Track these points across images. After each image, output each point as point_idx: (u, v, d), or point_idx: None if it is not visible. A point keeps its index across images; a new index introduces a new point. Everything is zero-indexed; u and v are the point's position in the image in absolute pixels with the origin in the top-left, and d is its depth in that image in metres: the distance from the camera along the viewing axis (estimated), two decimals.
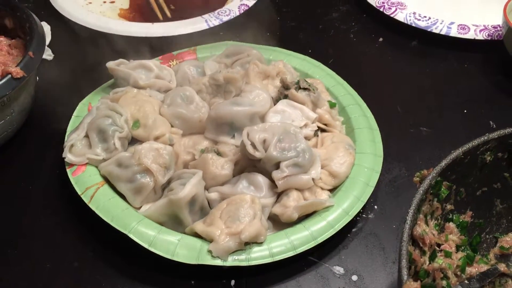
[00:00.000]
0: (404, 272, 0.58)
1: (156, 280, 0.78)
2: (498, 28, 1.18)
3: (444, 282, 0.66)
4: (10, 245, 0.83)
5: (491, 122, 1.03)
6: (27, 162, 0.95)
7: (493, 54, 1.17)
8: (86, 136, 0.89)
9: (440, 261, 0.66)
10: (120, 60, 1.00)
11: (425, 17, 1.22)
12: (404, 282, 0.57)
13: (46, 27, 1.17)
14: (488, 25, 1.19)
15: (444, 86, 1.12)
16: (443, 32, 1.19)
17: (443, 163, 0.69)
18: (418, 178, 0.69)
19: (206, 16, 1.21)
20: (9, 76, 0.86)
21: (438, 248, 0.70)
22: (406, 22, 1.22)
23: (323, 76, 1.04)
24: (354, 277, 0.79)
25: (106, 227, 0.79)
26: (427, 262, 0.65)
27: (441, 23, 1.20)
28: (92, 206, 0.81)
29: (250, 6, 1.25)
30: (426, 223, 0.69)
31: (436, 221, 0.71)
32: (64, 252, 0.82)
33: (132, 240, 0.77)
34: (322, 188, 0.86)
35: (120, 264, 0.80)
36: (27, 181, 0.92)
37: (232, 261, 0.75)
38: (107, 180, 0.85)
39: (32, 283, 0.78)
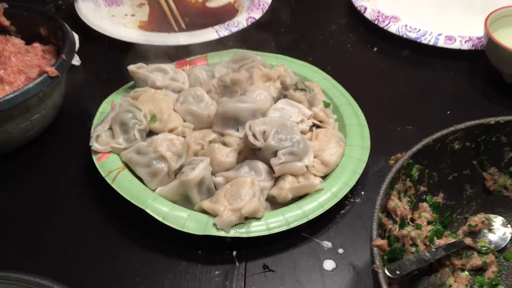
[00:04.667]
0: (374, 232, 0.69)
1: (168, 251, 0.89)
2: (482, 39, 1.28)
3: (413, 249, 0.76)
4: (44, 225, 0.94)
5: None
6: (59, 151, 1.06)
7: (477, 63, 1.27)
8: (110, 128, 1.00)
9: (409, 229, 0.76)
10: (140, 64, 1.12)
11: (415, 29, 1.33)
12: (374, 239, 0.68)
13: (75, 36, 1.30)
14: (472, 36, 1.29)
15: (431, 91, 1.22)
16: (431, 43, 1.29)
17: (415, 148, 0.81)
18: (393, 161, 0.80)
19: (217, 27, 1.32)
20: (46, 75, 0.98)
21: (411, 223, 0.81)
22: (398, 33, 1.33)
23: (320, 80, 1.15)
24: (340, 250, 0.89)
25: (127, 205, 0.90)
26: (397, 229, 0.76)
27: (429, 35, 1.31)
28: (114, 186, 0.92)
29: (257, 18, 1.36)
30: (400, 199, 0.79)
31: (409, 199, 0.82)
32: (90, 230, 0.93)
33: (148, 216, 0.88)
34: (315, 175, 0.97)
35: (138, 238, 0.91)
36: (58, 168, 1.03)
37: (234, 233, 0.86)
38: (127, 166, 0.97)
39: (63, 257, 0.89)
